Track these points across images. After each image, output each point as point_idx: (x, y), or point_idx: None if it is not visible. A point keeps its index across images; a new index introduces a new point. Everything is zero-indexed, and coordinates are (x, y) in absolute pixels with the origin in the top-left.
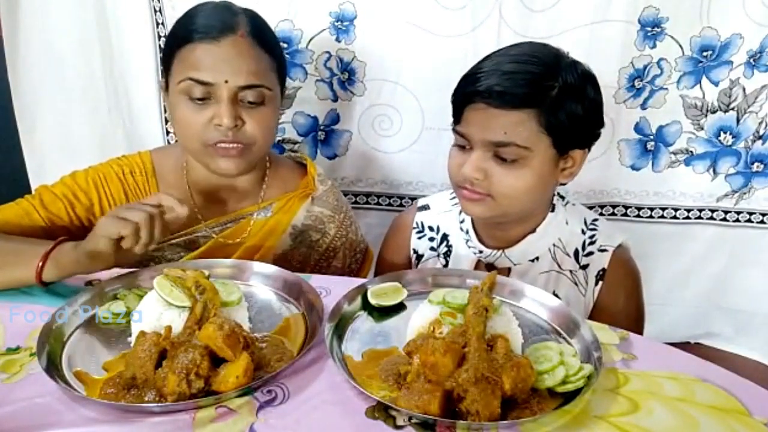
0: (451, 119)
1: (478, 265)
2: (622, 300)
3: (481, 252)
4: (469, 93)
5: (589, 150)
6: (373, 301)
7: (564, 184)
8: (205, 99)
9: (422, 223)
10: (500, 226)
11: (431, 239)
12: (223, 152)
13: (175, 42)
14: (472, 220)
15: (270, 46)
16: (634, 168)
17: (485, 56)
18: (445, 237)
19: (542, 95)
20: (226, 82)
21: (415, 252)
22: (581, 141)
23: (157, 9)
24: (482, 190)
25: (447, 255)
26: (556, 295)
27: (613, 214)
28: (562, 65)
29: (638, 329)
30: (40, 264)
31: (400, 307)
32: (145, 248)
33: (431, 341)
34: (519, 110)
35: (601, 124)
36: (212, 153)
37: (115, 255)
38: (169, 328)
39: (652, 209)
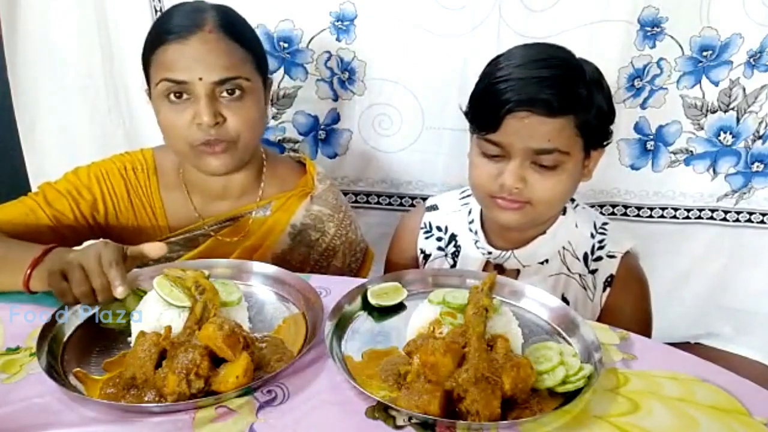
0: (450, 119)
1: (486, 266)
2: (629, 307)
3: (490, 253)
4: (510, 101)
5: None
6: (373, 301)
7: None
8: (183, 98)
9: (430, 224)
10: (518, 229)
11: (439, 239)
12: (210, 151)
13: (149, 47)
14: (481, 220)
15: (243, 39)
16: (633, 168)
17: (495, 61)
18: (453, 237)
19: (578, 98)
20: (200, 79)
21: (423, 252)
22: (602, 138)
23: (158, 9)
24: (521, 198)
25: (455, 255)
26: (565, 299)
27: (613, 213)
28: (581, 63)
29: (647, 336)
30: (28, 272)
31: (400, 307)
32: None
33: (431, 341)
34: (561, 116)
35: (614, 116)
36: (199, 153)
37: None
38: (169, 328)
39: (652, 209)
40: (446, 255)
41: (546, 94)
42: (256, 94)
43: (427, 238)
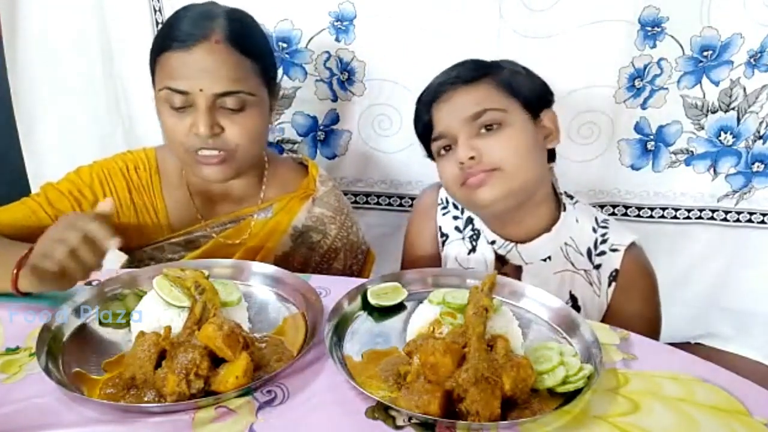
0: None
1: (498, 260)
2: (637, 302)
3: (494, 242)
4: (433, 92)
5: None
6: (373, 301)
7: (554, 155)
8: (184, 107)
9: (446, 199)
10: (512, 216)
11: (455, 218)
12: (205, 161)
13: (154, 51)
14: None
15: (252, 50)
16: (634, 168)
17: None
18: (470, 220)
19: (495, 70)
20: (201, 90)
21: (440, 230)
22: (542, 99)
23: (157, 9)
24: (485, 166)
25: (473, 239)
26: (573, 296)
27: (613, 214)
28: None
29: (655, 332)
30: (15, 272)
31: (400, 307)
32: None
33: (431, 341)
34: (481, 82)
35: (541, 83)
36: (195, 161)
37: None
38: (168, 328)
39: (652, 209)
40: (464, 238)
41: (460, 72)
42: (259, 106)
43: (444, 214)
